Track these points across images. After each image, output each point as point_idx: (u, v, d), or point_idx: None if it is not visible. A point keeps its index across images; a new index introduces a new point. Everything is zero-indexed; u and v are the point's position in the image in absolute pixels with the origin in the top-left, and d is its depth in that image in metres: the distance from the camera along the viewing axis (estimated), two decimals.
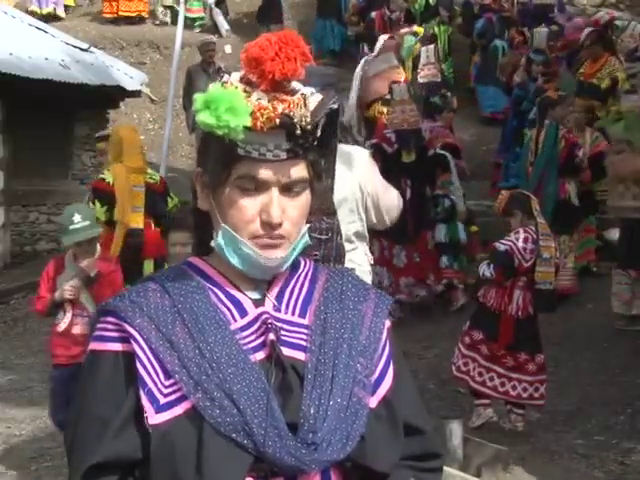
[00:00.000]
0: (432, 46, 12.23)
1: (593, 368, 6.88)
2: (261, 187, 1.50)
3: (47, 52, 10.90)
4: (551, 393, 5.83)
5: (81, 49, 11.78)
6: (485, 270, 5.68)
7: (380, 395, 1.57)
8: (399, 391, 1.59)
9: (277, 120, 1.46)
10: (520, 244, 5.64)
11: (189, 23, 15.91)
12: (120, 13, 15.97)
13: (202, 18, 16.28)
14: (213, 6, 15.50)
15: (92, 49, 12.12)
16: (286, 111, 1.47)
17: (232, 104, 1.43)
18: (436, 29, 13.82)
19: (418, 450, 1.63)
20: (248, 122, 1.44)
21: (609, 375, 6.79)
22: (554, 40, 12.22)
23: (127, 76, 11.91)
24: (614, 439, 5.58)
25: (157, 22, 16.21)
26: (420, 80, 11.59)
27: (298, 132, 1.48)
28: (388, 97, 8.84)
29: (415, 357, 6.98)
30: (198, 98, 1.46)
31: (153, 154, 13.49)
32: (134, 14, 16.09)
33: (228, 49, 13.43)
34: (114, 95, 12.03)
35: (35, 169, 10.87)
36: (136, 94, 12.40)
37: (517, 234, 5.70)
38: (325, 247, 3.37)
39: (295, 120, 1.47)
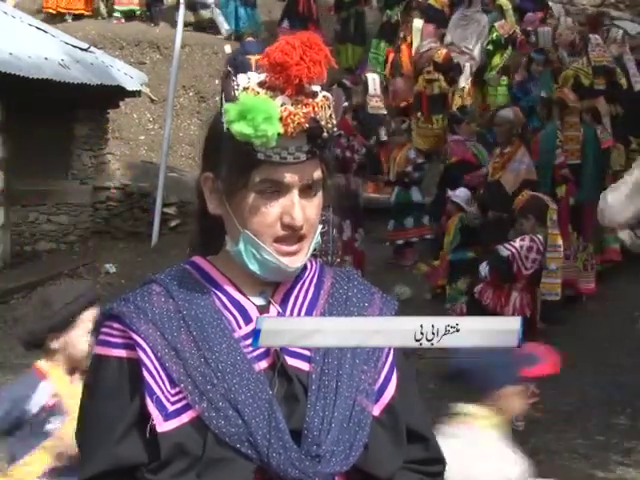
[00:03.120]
0: (377, 76, 12.15)
1: (593, 368, 6.89)
2: (282, 190, 1.49)
3: (47, 52, 10.87)
4: (551, 393, 5.81)
5: (81, 49, 11.75)
6: (483, 270, 5.69)
7: (384, 403, 1.56)
8: (402, 398, 1.59)
9: (306, 125, 1.45)
10: (523, 252, 5.61)
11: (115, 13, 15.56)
12: (59, 9, 15.62)
13: (133, 11, 15.72)
14: (213, 6, 15.42)
15: (92, 49, 12.09)
16: (312, 115, 1.46)
17: (269, 113, 1.42)
18: (400, 16, 13.81)
19: (421, 455, 1.63)
20: (281, 129, 1.43)
21: (609, 375, 6.80)
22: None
23: (127, 76, 11.89)
24: (614, 439, 5.58)
25: (114, 19, 15.79)
26: (370, 111, 11.64)
27: (325, 135, 1.48)
28: None
29: (415, 357, 6.98)
30: (231, 109, 1.44)
31: (153, 154, 13.49)
32: (77, 11, 15.67)
33: (228, 49, 13.39)
34: (114, 95, 12.00)
35: (35, 169, 10.84)
36: (136, 94, 12.37)
37: (522, 241, 5.66)
38: (322, 240, 3.38)
39: (322, 123, 1.47)
